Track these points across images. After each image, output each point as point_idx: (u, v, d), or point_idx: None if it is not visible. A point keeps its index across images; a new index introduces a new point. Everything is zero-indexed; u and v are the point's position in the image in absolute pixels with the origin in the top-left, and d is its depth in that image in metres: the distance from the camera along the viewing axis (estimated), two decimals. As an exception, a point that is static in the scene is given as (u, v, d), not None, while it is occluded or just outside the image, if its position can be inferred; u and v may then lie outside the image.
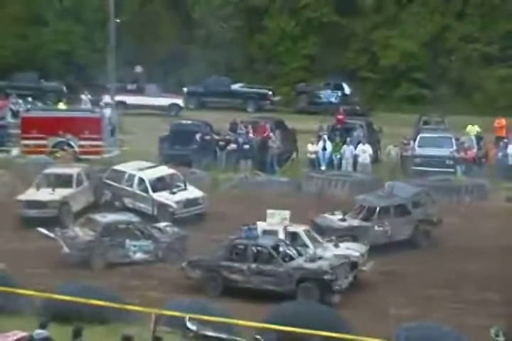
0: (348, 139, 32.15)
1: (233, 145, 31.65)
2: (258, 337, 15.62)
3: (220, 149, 31.73)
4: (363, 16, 46.79)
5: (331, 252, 21.93)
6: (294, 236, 22.42)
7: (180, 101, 42.05)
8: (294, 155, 33.17)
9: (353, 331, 16.34)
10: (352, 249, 22.28)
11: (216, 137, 32.25)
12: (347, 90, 43.86)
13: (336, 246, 22.37)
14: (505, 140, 32.14)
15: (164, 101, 41.71)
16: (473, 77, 43.71)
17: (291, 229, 22.54)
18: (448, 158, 31.08)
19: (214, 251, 21.77)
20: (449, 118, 36.72)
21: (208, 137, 31.99)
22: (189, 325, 15.74)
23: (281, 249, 21.43)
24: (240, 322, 15.56)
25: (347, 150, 31.62)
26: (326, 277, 20.43)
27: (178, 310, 15.66)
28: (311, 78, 46.01)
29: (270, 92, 43.90)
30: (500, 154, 31.35)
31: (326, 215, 24.85)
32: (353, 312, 19.14)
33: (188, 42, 46.21)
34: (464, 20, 45.46)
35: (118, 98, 39.19)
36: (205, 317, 15.47)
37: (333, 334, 15.39)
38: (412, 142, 32.36)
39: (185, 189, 27.32)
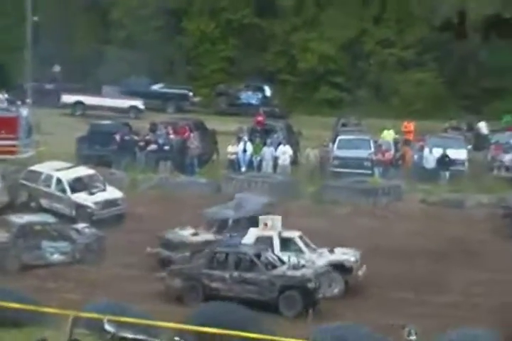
0: (269, 141, 32.31)
1: (153, 146, 31.50)
2: (177, 338, 15.57)
3: (140, 150, 31.54)
4: (282, 18, 47.03)
5: (327, 258, 21.73)
6: (288, 242, 22.10)
7: (139, 104, 41.53)
8: (214, 156, 33.17)
9: (273, 332, 16.43)
10: (347, 254, 22.05)
11: (136, 138, 32.04)
12: (267, 92, 44.06)
13: (331, 251, 22.09)
14: (421, 143, 32.70)
15: (123, 103, 41.18)
16: (389, 81, 44.37)
17: (286, 234, 22.23)
18: (366, 159, 31.48)
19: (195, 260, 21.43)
20: (367, 120, 37.22)
21: (127, 138, 31.78)
22: (107, 327, 15.59)
23: (263, 256, 21.04)
24: (159, 323, 15.49)
25: (267, 151, 31.77)
26: (309, 285, 20.15)
27: (96, 312, 15.50)
28: (230, 80, 46.05)
29: (190, 93, 43.81)
30: (416, 156, 31.92)
31: (176, 230, 23.81)
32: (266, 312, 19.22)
33: (106, 43, 45.81)
34: (380, 24, 46.10)
35: (76, 98, 38.86)
36: (124, 319, 15.35)
37: (253, 335, 15.47)
38: (330, 144, 32.68)
39: (104, 190, 27.07)
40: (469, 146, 33.12)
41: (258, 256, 20.95)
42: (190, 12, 47.54)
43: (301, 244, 22.03)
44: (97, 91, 41.87)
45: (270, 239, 22.01)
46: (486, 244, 24.48)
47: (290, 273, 20.48)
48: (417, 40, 44.51)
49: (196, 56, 47.12)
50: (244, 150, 31.90)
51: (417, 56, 44.77)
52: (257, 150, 31.89)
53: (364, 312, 20.04)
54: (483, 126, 35.93)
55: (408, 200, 28.78)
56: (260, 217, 22.61)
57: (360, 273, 21.68)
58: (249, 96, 43.47)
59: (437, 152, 31.15)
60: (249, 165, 31.76)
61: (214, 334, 15.51)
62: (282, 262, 21.05)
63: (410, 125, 34.95)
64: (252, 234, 22.24)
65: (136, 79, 43.48)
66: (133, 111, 40.85)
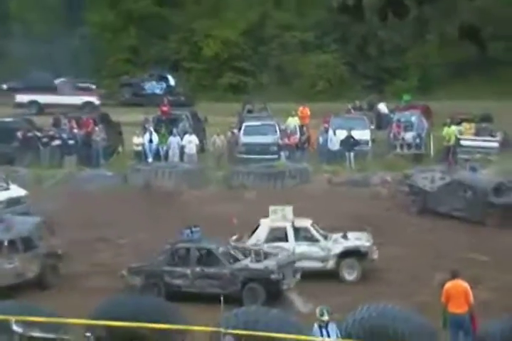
0: (174, 130, 32.28)
1: (57, 141, 31.16)
2: (88, 334, 15.50)
3: (43, 145, 31.17)
4: (183, 6, 46.94)
5: (342, 244, 21.46)
6: (302, 231, 21.86)
7: (95, 99, 40.68)
8: (120, 148, 32.99)
9: (185, 321, 16.51)
10: (361, 239, 21.85)
11: (38, 134, 31.63)
12: (171, 81, 43.94)
13: (345, 237, 21.85)
14: (326, 125, 33.07)
15: (78, 99, 40.38)
16: (292, 64, 44.76)
17: (299, 224, 21.92)
18: (272, 144, 31.73)
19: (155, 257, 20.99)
20: (272, 105, 37.47)
21: (29, 134, 31.35)
22: (15, 327, 15.42)
23: (225, 250, 20.70)
24: (67, 320, 15.41)
25: (173, 141, 31.73)
26: (272, 277, 19.93)
27: (2, 313, 15.33)
28: (134, 70, 45.83)
29: (93, 86, 43.37)
30: (321, 138, 32.29)
31: None
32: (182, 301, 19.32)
33: (4, 37, 45.00)
34: (281, 8, 46.40)
35: (30, 97, 38.02)
36: (31, 318, 15.22)
37: (164, 326, 15.51)
38: (237, 131, 32.83)
39: (7, 188, 26.66)
40: (372, 126, 33.66)
41: (219, 250, 20.61)
42: (90, 2, 47.06)
43: (314, 233, 21.79)
44: (51, 89, 41.07)
45: (284, 229, 21.73)
46: (392, 221, 24.96)
47: (253, 265, 20.25)
48: (318, 22, 44.95)
49: (98, 47, 46.66)
50: (150, 141, 31.79)
51: (318, 38, 45.26)
52: (163, 140, 31.83)
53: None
54: (383, 106, 36.54)
55: (315, 182, 29.16)
56: (271, 208, 22.28)
57: (374, 256, 21.63)
58: (154, 86, 43.32)
59: (341, 133, 31.56)
60: (156, 155, 31.70)
61: (125, 328, 15.51)
62: (244, 255, 20.75)
63: (306, 110, 35.18)
64: (264, 226, 21.92)
65: (37, 74, 42.82)
66: (88, 106, 40.01)
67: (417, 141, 31.80)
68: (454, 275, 16.52)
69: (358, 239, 21.79)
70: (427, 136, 32.38)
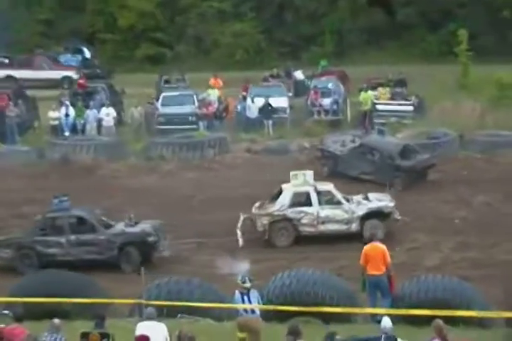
0: (91, 103, 31.90)
1: (-30, 119, 30.54)
2: (6, 311, 15.33)
3: (-43, 123, 30.51)
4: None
5: (366, 206, 21.65)
6: (326, 195, 21.92)
7: (73, 74, 39.43)
8: (36, 123, 32.48)
9: (107, 294, 16.46)
10: (384, 200, 22.02)
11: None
12: (87, 54, 43.32)
13: (366, 199, 22.05)
14: (244, 94, 33.08)
15: (56, 74, 39.18)
16: (209, 34, 44.53)
17: (322, 187, 21.97)
18: (190, 115, 31.58)
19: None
20: (190, 75, 37.26)
21: None
22: None
23: (97, 217, 21.01)
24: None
25: (90, 114, 31.36)
26: (149, 239, 20.39)
27: None
28: (49, 43, 45.01)
29: (6, 60, 42.40)
30: (239, 107, 32.30)
31: None
32: (99, 274, 19.24)
33: None
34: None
35: (6, 72, 37.02)
36: None
37: (85, 300, 15.44)
38: (155, 101, 32.60)
39: None
40: (290, 93, 33.76)
41: (92, 217, 20.90)
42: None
43: (338, 196, 21.90)
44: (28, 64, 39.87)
45: (307, 194, 21.86)
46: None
47: (129, 230, 20.68)
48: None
49: (11, 21, 45.64)
50: (67, 115, 31.33)
51: (235, 7, 45.04)
52: (79, 114, 31.42)
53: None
54: (299, 73, 36.66)
55: (234, 151, 29.18)
56: (291, 172, 22.31)
57: (397, 216, 21.77)
58: (69, 59, 42.56)
59: (260, 101, 31.60)
60: (73, 129, 31.30)
61: (46, 304, 15.39)
62: (117, 222, 21.06)
63: (218, 80, 34.99)
64: (288, 191, 21.92)
65: None
66: (67, 81, 38.99)
67: (334, 106, 32.04)
68: (372, 238, 16.80)
69: (380, 200, 22.05)
70: (343, 102, 32.66)
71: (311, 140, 29.08)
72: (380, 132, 27.40)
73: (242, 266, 17.91)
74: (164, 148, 29.00)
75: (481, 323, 14.55)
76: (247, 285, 14.18)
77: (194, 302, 15.54)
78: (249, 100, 32.03)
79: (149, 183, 26.75)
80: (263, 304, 14.53)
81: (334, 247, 21.06)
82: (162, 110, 31.84)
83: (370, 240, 16.71)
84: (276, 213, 21.64)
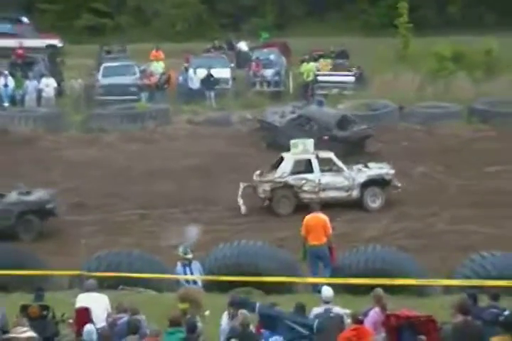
0: (30, 74, 31.42)
1: None
2: None
3: None
4: None
5: (366, 173, 21.71)
6: (327, 162, 21.96)
7: (57, 42, 38.22)
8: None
9: (47, 266, 16.33)
10: (384, 168, 22.07)
11: None
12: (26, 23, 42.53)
13: (367, 166, 22.08)
14: (186, 65, 32.86)
15: (40, 42, 37.93)
16: (150, 5, 44.08)
17: (323, 155, 21.97)
18: (131, 85, 31.27)
19: None
20: (131, 46, 36.89)
21: None
22: None
23: None
24: None
25: (30, 85, 30.89)
26: (48, 206, 20.19)
27: None
28: (-15, 13, 44.12)
29: None
30: (181, 78, 32.10)
31: None
32: (42, 245, 19.12)
33: None
34: None
35: None
36: None
37: (24, 272, 15.30)
38: (95, 72, 32.23)
39: None
40: (232, 64, 33.64)
41: None
42: None
43: (339, 163, 21.91)
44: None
45: (309, 161, 21.85)
46: (249, 157, 25.09)
47: (25, 198, 20.34)
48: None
49: None
50: (6, 85, 30.83)
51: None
52: (18, 85, 30.92)
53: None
54: (242, 44, 36.52)
55: (176, 122, 29.05)
56: (291, 141, 22.26)
57: (397, 183, 21.82)
58: (7, 29, 41.75)
59: (201, 72, 31.45)
60: (12, 100, 30.80)
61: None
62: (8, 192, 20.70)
63: (159, 53, 34.64)
64: (289, 159, 21.86)
65: None
66: (50, 50, 37.33)
67: (276, 78, 32.05)
68: (313, 209, 16.89)
69: (380, 168, 22.15)
70: (285, 73, 32.66)
71: (253, 111, 29.08)
72: (319, 103, 27.47)
73: (191, 235, 17.96)
74: (105, 120, 28.74)
75: (419, 292, 14.79)
76: (189, 256, 14.22)
77: (135, 273, 15.49)
78: (191, 71, 31.84)
79: (90, 155, 26.52)
80: (205, 275, 14.57)
81: (276, 218, 21.18)
82: (103, 81, 31.49)
83: (312, 210, 16.79)
84: (278, 180, 21.67)
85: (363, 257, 15.73)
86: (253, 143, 26.37)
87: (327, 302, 12.06)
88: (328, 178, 21.74)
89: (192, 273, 14.09)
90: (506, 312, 10.74)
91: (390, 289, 12.86)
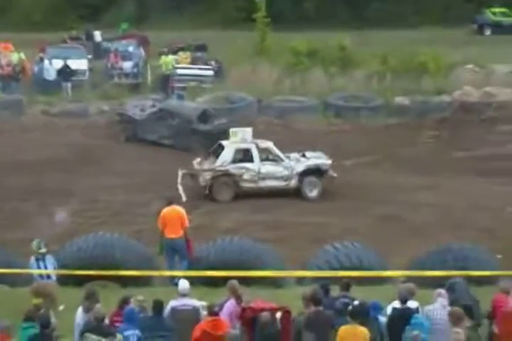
0: None
1: None
2: None
3: None
4: None
5: (305, 163, 21.85)
6: (267, 151, 22.07)
7: None
8: None
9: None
10: (321, 158, 22.22)
11: None
12: None
13: (304, 156, 22.08)
14: (42, 55, 32.26)
15: None
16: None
17: (263, 144, 22.11)
18: (-16, 75, 30.48)
19: None
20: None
21: None
22: None
23: None
24: None
25: None
26: None
27: None
28: None
29: None
30: (36, 69, 31.49)
31: None
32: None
33: None
34: None
35: None
36: None
37: None
38: None
39: None
40: (89, 56, 33.20)
41: None
42: None
43: (278, 152, 21.95)
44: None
45: (249, 150, 21.86)
46: (107, 150, 24.94)
47: None
48: None
49: None
50: None
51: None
52: None
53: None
54: (98, 35, 36.12)
55: (30, 113, 28.48)
56: (231, 130, 22.18)
57: (333, 174, 21.99)
58: None
59: (58, 63, 30.92)
60: None
61: None
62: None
63: (8, 46, 33.74)
64: (230, 148, 21.72)
65: None
66: None
67: (135, 70, 31.88)
68: (170, 202, 16.85)
69: (318, 158, 22.41)
70: (144, 66, 32.50)
71: (110, 103, 28.82)
72: (179, 97, 27.52)
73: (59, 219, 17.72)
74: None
75: (274, 282, 15.00)
76: (43, 250, 13.98)
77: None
78: (46, 62, 31.28)
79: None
80: (59, 269, 14.34)
81: (133, 211, 21.05)
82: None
83: (169, 204, 16.74)
84: (218, 168, 21.79)
85: (220, 249, 15.81)
86: (111, 136, 26.15)
87: (184, 295, 12.09)
88: (267, 167, 22.12)
89: (46, 268, 13.84)
90: (355, 302, 11.02)
91: (245, 280, 12.99)
